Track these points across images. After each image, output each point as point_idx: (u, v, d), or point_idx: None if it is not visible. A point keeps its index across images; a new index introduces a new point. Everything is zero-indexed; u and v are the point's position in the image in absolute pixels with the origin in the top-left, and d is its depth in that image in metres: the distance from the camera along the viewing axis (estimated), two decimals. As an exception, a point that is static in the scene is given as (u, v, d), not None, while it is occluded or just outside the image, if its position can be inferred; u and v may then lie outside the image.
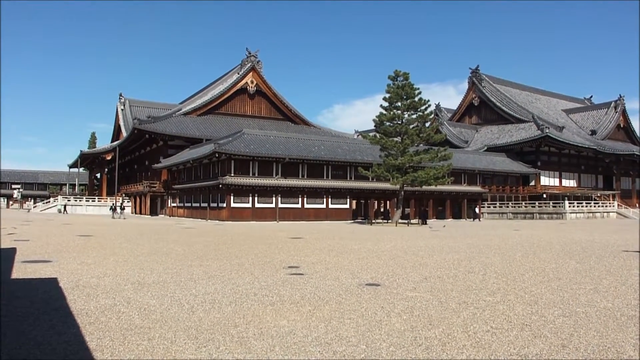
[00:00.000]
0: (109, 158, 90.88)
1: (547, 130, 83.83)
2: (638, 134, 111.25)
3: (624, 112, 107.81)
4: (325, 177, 61.85)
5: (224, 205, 55.46)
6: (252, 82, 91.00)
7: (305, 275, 13.62)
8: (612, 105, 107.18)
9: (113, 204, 72.42)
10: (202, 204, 61.69)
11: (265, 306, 9.67)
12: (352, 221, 59.23)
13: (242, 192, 55.64)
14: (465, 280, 13.20)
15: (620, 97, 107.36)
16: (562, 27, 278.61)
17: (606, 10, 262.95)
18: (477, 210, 67.34)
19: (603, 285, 12.62)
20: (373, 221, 54.55)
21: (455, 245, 24.54)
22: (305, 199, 59.22)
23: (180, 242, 24.26)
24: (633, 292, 11.63)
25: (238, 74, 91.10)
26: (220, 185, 54.89)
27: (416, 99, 51.69)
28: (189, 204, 66.05)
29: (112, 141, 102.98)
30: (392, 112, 52.12)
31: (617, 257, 19.25)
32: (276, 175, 58.32)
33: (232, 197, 55.20)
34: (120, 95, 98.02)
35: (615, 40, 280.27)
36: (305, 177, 60.35)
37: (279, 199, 57.44)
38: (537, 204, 73.80)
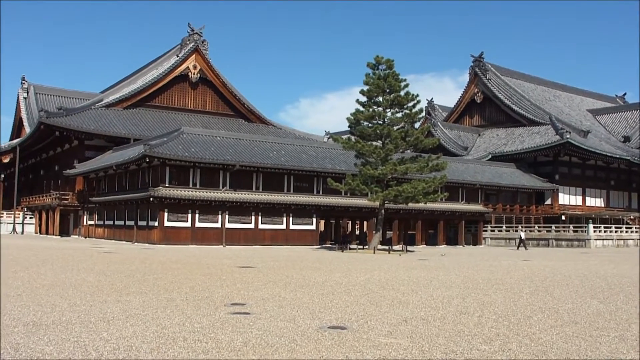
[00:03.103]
0: (6, 160, 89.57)
1: (568, 136, 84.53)
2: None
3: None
4: (285, 190, 61.79)
5: (156, 224, 55.07)
6: (194, 67, 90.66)
7: (251, 315, 13.53)
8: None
9: None
10: (128, 222, 61.25)
11: (197, 355, 9.54)
12: (319, 246, 59.24)
13: (179, 207, 55.32)
14: (456, 323, 13.20)
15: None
16: (589, 8, 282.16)
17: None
18: (522, 235, 66.21)
19: (632, 331, 12.65)
20: (345, 246, 54.51)
21: (446, 278, 24.62)
22: (259, 218, 59.05)
23: (94, 271, 24.02)
24: (670, 342, 11.62)
25: (177, 56, 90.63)
26: (152, 199, 54.46)
27: (402, 92, 51.79)
28: (111, 222, 65.52)
29: (11, 138, 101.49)
30: (371, 109, 52.18)
31: (652, 296, 19.42)
32: (223, 187, 58.12)
33: (166, 214, 54.82)
34: (23, 79, 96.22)
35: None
36: (261, 189, 60.22)
37: (227, 217, 57.22)
38: (553, 227, 74.48)
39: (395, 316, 13.95)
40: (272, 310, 14.43)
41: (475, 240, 75.09)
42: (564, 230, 73.73)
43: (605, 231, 73.98)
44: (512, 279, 24.95)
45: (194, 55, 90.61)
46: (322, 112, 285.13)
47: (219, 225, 56.85)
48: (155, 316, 13.14)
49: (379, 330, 12.01)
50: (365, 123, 52.51)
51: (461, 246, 70.43)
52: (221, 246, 54.38)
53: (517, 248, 63.57)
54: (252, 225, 58.68)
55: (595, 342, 11.39)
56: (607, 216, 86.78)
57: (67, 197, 75.50)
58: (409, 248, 55.96)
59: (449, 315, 14.24)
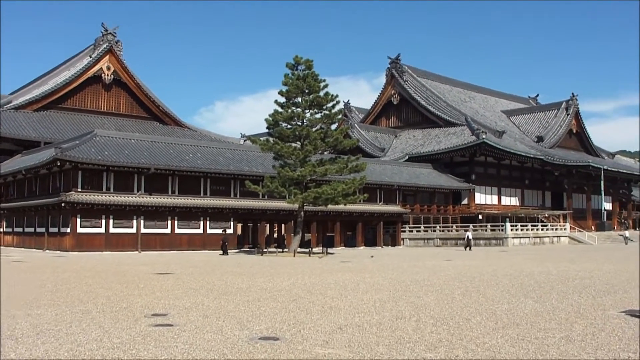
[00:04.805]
0: None
1: (484, 136, 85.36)
2: (594, 142, 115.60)
3: (577, 115, 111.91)
4: (202, 194, 60.77)
5: (68, 230, 53.41)
6: (108, 68, 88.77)
7: (175, 327, 12.68)
8: (562, 106, 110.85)
9: None
10: (39, 229, 59.32)
11: (117, 374, 8.64)
12: (237, 250, 58.48)
13: (92, 212, 53.73)
14: (394, 329, 12.62)
15: (573, 96, 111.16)
16: (501, 11, 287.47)
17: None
18: (469, 235, 65.37)
19: (576, 332, 12.37)
20: (264, 250, 53.87)
21: (373, 281, 24.18)
22: (176, 222, 57.86)
23: (1, 282, 22.77)
24: (617, 341, 11.35)
25: (90, 57, 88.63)
26: (63, 204, 52.87)
27: (321, 93, 51.50)
28: (20, 229, 63.36)
29: None
30: (290, 110, 51.72)
31: (584, 293, 19.39)
32: (138, 191, 56.77)
33: (78, 220, 53.13)
34: None
35: (569, 28, 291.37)
36: (177, 193, 59.09)
37: (142, 222, 55.85)
38: (471, 226, 74.94)
39: (328, 323, 13.25)
40: (196, 320, 13.59)
41: (393, 241, 75.08)
42: (482, 229, 74.34)
43: (521, 229, 75.00)
44: (439, 279, 24.57)
45: (107, 56, 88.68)
46: (238, 115, 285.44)
47: (134, 230, 55.44)
48: (70, 331, 12.13)
49: (314, 340, 11.30)
50: (284, 124, 52.04)
51: (380, 247, 70.31)
52: (137, 252, 53.09)
53: (465, 248, 62.59)
54: (168, 230, 57.46)
55: (543, 344, 11.01)
56: (522, 215, 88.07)
57: (-27, 204, 73.01)
58: (329, 250, 55.49)
59: (385, 321, 13.61)
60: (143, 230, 55.75)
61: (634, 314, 14.65)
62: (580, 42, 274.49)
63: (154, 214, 56.57)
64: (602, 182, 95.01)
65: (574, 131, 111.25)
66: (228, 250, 51.93)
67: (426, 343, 11.05)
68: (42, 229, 58.19)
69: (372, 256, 47.89)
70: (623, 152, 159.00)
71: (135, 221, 55.54)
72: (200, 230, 59.27)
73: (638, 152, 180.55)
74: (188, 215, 58.48)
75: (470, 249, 61.87)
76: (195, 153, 63.69)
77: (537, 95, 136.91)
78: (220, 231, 58.85)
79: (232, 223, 61.40)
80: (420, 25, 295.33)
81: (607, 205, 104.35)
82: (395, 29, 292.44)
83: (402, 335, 11.86)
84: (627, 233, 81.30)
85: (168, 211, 57.33)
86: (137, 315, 14.37)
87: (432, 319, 13.96)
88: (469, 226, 74.66)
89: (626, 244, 74.74)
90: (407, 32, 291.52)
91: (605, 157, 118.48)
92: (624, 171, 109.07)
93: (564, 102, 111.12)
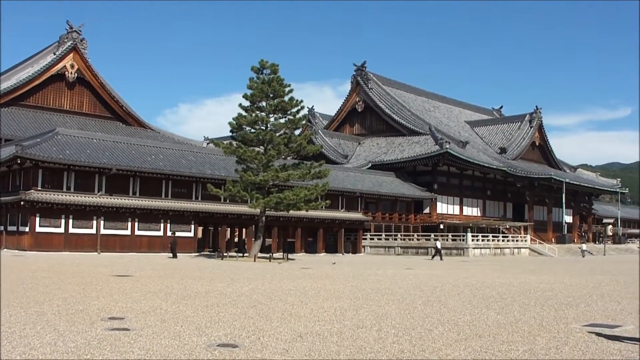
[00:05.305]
0: None
1: (447, 146, 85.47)
2: (556, 155, 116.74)
3: (540, 128, 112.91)
4: (163, 196, 60.27)
5: (27, 229, 52.66)
6: (72, 66, 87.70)
7: (132, 332, 12.39)
8: (526, 118, 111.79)
9: None
10: (-4, 227, 58.48)
11: (70, 380, 8.37)
12: (198, 254, 58.13)
13: (51, 212, 53.04)
14: (355, 338, 12.43)
15: (537, 109, 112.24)
16: (468, 23, 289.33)
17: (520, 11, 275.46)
18: (438, 244, 64.76)
19: (539, 345, 12.23)
20: (225, 254, 53.59)
21: (334, 288, 24.05)
22: (136, 224, 57.32)
23: (-44, 280, 22.34)
24: (580, 355, 11.24)
25: (54, 54, 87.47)
26: (23, 202, 52.16)
27: (286, 98, 51.43)
28: (-22, 227, 62.46)
29: None
30: (254, 114, 51.53)
31: (546, 306, 19.28)
32: (99, 192, 56.14)
33: (37, 219, 52.43)
34: None
35: (536, 43, 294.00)
36: (138, 194, 58.53)
37: (102, 222, 55.26)
38: (432, 236, 74.97)
39: (288, 331, 13.05)
40: (154, 325, 13.31)
41: (354, 249, 74.95)
42: (443, 239, 74.38)
43: (482, 240, 75.21)
44: (400, 288, 24.47)
45: (71, 54, 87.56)
46: (201, 118, 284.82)
47: (93, 231, 54.81)
48: (23, 334, 11.81)
49: (273, 348, 11.08)
50: (248, 128, 51.92)
51: (341, 254, 70.17)
52: (96, 253, 52.48)
53: (432, 258, 62.06)
54: (128, 232, 56.89)
55: (506, 357, 10.88)
56: (484, 225, 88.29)
57: None
58: (289, 256, 55.26)
59: (346, 330, 13.41)
60: (103, 231, 55.15)
61: (597, 330, 14.52)
62: (546, 57, 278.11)
63: (114, 215, 56.01)
64: (564, 195, 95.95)
65: (537, 144, 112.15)
66: (178, 254, 51.13)
67: (388, 354, 10.89)
68: (0, 228, 57.34)
69: (334, 263, 47.73)
70: (585, 166, 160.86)
71: (95, 222, 54.94)
72: (161, 233, 58.72)
73: (599, 166, 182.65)
74: (149, 217, 57.96)
75: (434, 258, 61.26)
76: (158, 154, 63.12)
77: (501, 107, 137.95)
78: (181, 234, 58.33)
79: (192, 226, 60.99)
80: (388, 34, 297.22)
81: (568, 218, 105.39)
82: (362, 37, 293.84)
83: (363, 345, 11.69)
84: (584, 246, 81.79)
85: (128, 212, 56.77)
86: (94, 318, 14.08)
87: (394, 328, 13.80)
88: (430, 235, 74.74)
89: (583, 256, 75.21)
90: (373, 40, 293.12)
91: (568, 171, 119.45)
92: (586, 185, 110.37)
93: (528, 115, 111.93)
